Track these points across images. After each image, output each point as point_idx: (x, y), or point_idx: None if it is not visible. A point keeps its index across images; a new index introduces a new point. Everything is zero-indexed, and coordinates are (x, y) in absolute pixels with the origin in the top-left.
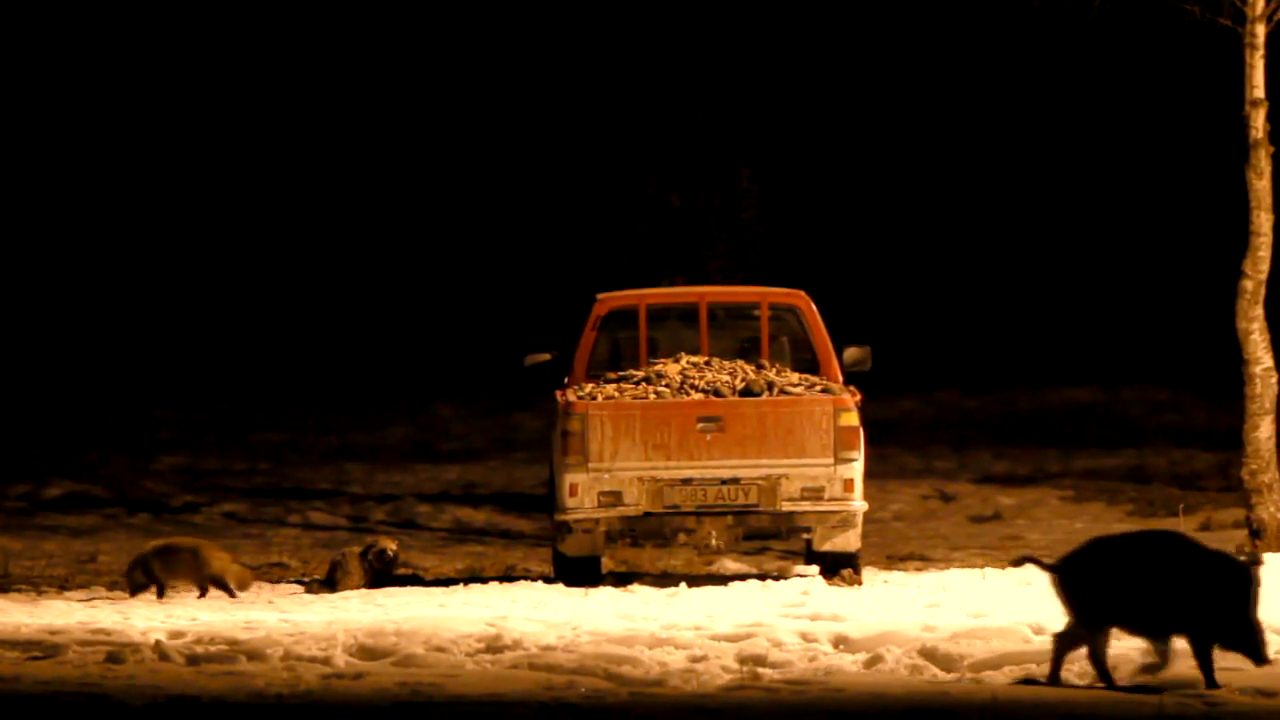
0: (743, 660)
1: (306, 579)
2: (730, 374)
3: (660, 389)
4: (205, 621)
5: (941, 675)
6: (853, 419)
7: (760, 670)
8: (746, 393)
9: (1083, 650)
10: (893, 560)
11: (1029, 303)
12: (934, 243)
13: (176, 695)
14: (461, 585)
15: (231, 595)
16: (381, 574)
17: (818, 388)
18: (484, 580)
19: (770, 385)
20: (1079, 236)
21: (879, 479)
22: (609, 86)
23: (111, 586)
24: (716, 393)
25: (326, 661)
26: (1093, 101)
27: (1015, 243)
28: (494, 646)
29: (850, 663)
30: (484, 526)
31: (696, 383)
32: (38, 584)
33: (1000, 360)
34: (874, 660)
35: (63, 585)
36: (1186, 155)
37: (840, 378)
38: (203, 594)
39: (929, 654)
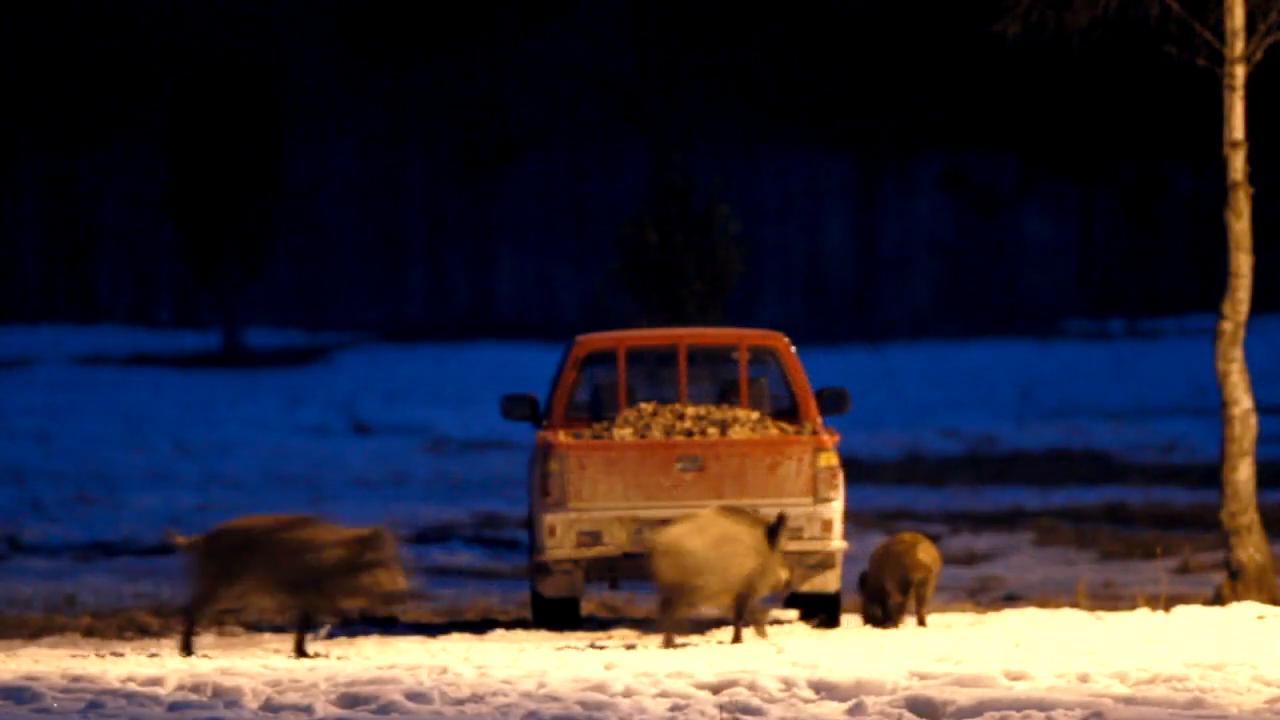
0: (723, 708)
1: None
2: (707, 417)
3: (640, 429)
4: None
5: None
6: (832, 459)
7: (742, 718)
8: (724, 433)
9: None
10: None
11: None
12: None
13: None
14: (440, 631)
15: None
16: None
17: (796, 429)
18: (462, 625)
19: (748, 426)
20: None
21: (858, 520)
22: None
23: (89, 632)
24: (698, 432)
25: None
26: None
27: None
28: (476, 694)
29: (832, 710)
30: (463, 568)
31: (676, 426)
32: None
33: (978, 398)
34: (856, 708)
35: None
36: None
37: (819, 419)
38: None
39: (911, 702)
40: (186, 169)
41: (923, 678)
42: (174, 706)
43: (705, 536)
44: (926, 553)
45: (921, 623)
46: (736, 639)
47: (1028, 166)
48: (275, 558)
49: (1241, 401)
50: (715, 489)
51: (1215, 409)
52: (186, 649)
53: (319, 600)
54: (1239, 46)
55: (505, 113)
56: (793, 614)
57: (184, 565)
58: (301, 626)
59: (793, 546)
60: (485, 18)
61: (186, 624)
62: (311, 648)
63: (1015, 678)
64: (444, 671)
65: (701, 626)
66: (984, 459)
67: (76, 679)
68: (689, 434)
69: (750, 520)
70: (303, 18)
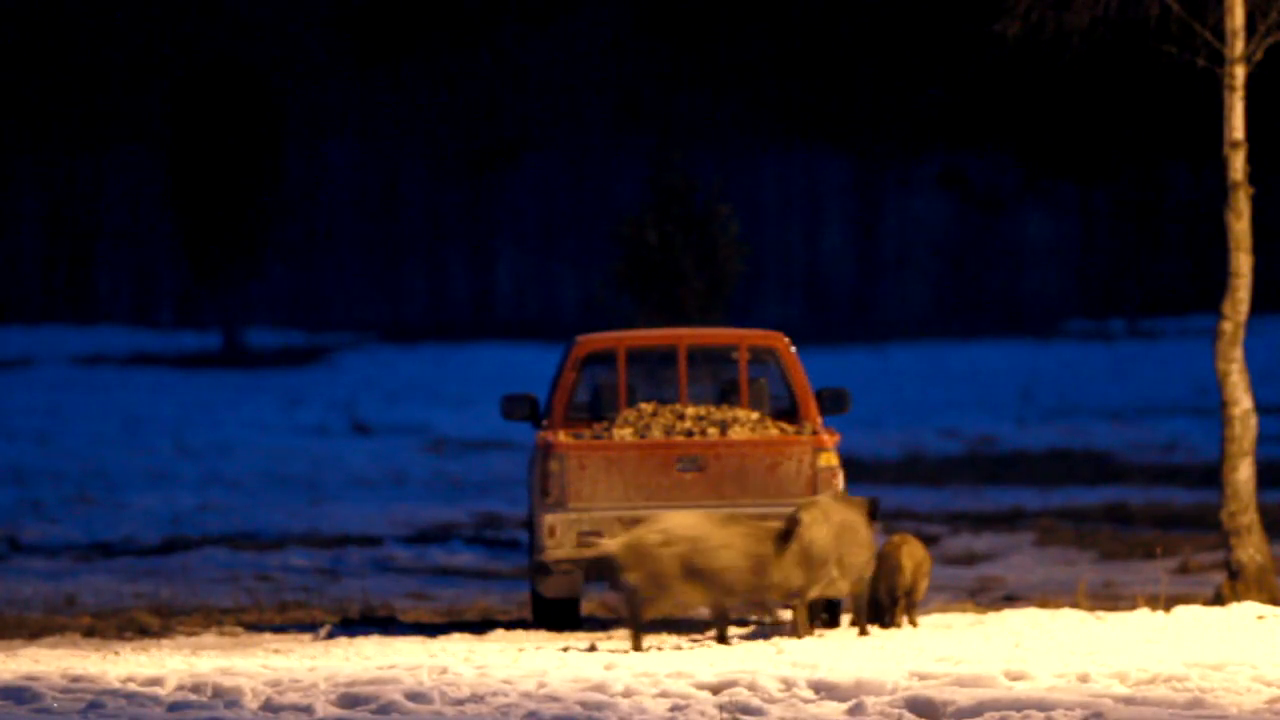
0: (723, 708)
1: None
2: (707, 417)
3: (640, 429)
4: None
5: None
6: (832, 459)
7: (742, 718)
8: (724, 434)
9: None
10: None
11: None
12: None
13: None
14: (440, 631)
15: None
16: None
17: (796, 429)
18: (463, 625)
19: (748, 427)
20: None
21: None
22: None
23: (89, 632)
24: (698, 432)
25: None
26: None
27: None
28: (476, 694)
29: (832, 710)
30: (463, 568)
31: (675, 426)
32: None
33: (978, 398)
34: (856, 709)
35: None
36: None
37: (819, 419)
38: None
39: (911, 702)
40: (186, 169)
41: (923, 678)
42: (174, 706)
43: (831, 524)
44: (910, 556)
45: (912, 623)
46: (863, 631)
47: (1028, 166)
48: (706, 557)
49: (1241, 401)
50: (715, 489)
51: (1215, 409)
52: (637, 646)
53: (743, 596)
54: (1239, 46)
55: (505, 113)
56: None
57: (617, 567)
58: (723, 620)
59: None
60: (485, 18)
61: (633, 624)
62: (320, 646)
63: (1015, 678)
64: (444, 671)
65: (700, 627)
66: (984, 459)
67: (76, 679)
68: (689, 434)
69: (860, 507)
70: (302, 17)
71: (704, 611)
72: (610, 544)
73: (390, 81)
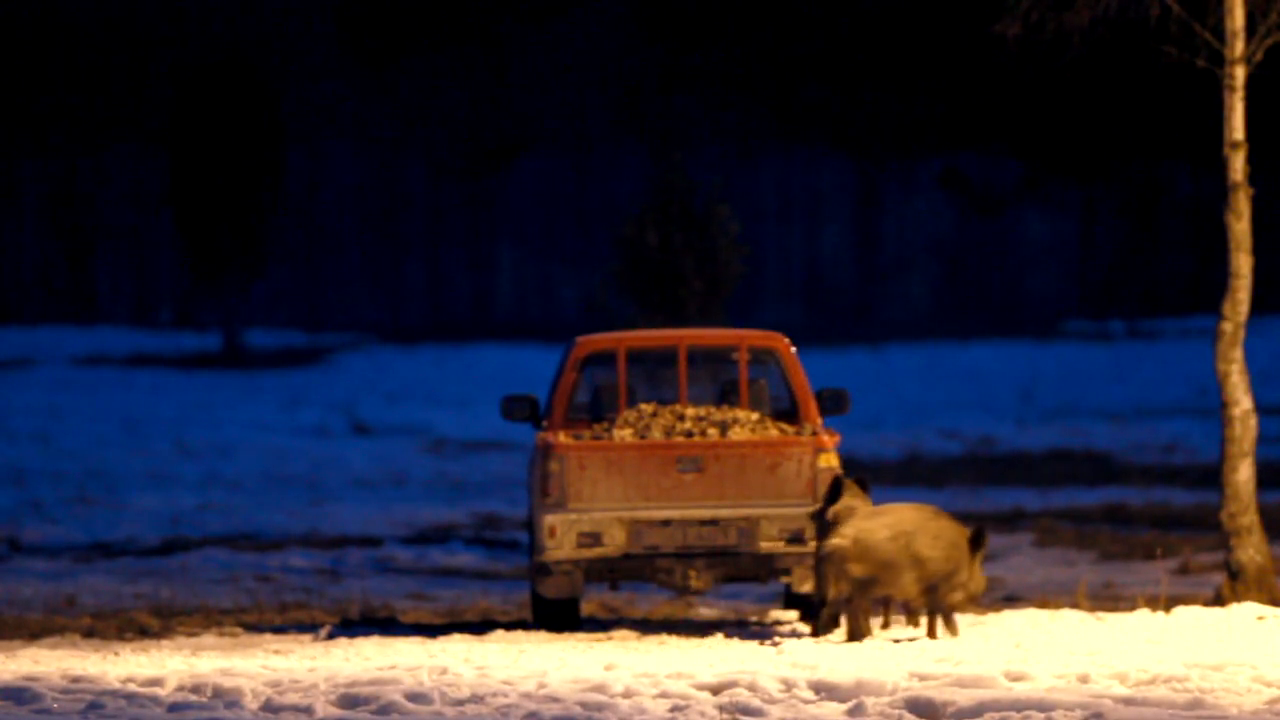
0: (723, 709)
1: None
2: (707, 418)
3: (640, 430)
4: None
5: None
6: (832, 460)
7: (742, 718)
8: (724, 435)
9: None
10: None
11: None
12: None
13: None
14: (440, 632)
15: None
16: None
17: (796, 430)
18: (463, 625)
19: (748, 427)
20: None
21: None
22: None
23: (89, 633)
24: (698, 433)
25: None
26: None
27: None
28: (476, 695)
29: (832, 711)
30: (463, 569)
31: (676, 427)
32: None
33: (978, 398)
34: (856, 709)
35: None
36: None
37: (819, 420)
38: None
39: (911, 703)
40: (187, 169)
41: (923, 678)
42: (174, 707)
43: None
44: None
45: (914, 624)
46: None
47: (1028, 166)
48: (921, 549)
49: (1241, 402)
50: (715, 490)
51: (1215, 409)
52: (856, 635)
53: (942, 595)
54: (1239, 47)
55: (505, 113)
56: (793, 614)
57: (844, 560)
58: (931, 616)
59: (793, 549)
60: (485, 18)
61: (852, 616)
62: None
63: (1015, 678)
64: (444, 672)
65: (701, 629)
66: (984, 459)
67: (76, 679)
68: (689, 435)
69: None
70: (302, 18)
71: (706, 613)
72: (838, 539)
73: (390, 81)
